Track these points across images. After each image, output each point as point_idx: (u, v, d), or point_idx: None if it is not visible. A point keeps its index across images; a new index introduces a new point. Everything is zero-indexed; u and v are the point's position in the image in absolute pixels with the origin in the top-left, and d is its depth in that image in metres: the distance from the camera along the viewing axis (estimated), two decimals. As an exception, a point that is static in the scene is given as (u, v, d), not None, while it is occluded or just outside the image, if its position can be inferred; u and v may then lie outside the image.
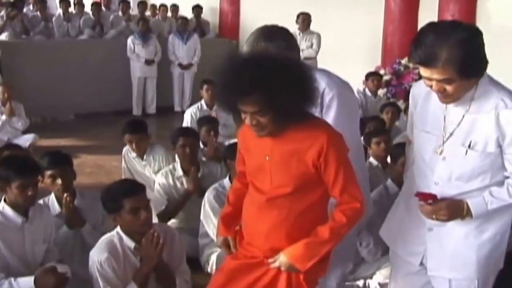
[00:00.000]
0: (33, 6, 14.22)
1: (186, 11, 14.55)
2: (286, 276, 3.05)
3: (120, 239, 4.02)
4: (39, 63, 11.48)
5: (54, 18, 13.41)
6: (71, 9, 13.74)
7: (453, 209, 3.05)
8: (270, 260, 3.06)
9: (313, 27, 11.38)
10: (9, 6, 12.75)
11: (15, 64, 11.22)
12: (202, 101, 8.62)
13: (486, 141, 2.98)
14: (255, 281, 3.12)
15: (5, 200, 4.19)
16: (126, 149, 6.57)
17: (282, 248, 3.03)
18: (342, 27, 11.75)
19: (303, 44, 11.16)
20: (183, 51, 12.47)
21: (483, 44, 2.86)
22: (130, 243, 4.02)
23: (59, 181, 4.68)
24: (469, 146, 3.00)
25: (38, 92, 11.12)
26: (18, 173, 4.11)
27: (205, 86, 8.57)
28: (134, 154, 6.45)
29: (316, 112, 3.26)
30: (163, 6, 14.78)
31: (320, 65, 11.12)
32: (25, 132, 9.56)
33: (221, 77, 2.88)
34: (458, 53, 2.77)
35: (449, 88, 2.89)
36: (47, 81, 11.44)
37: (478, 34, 2.87)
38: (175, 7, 14.76)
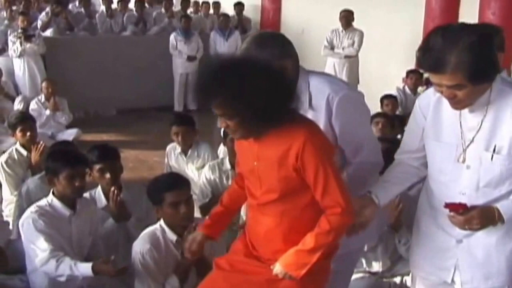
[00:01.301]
0: (78, 3, 14.42)
1: (228, 8, 14.62)
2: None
3: (163, 231, 4.10)
4: (82, 59, 11.66)
5: (97, 15, 13.56)
6: (115, 6, 13.89)
7: (486, 217, 2.92)
8: (271, 267, 3.06)
9: (354, 24, 11.33)
10: (54, 2, 12.93)
11: (59, 59, 11.42)
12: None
13: (511, 144, 2.87)
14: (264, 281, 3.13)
15: (53, 193, 4.30)
16: (170, 146, 6.63)
17: (282, 250, 3.03)
18: (383, 24, 11.69)
19: (345, 41, 11.11)
20: (225, 48, 12.54)
21: (494, 47, 2.78)
22: (172, 236, 4.10)
23: (107, 175, 4.77)
24: (494, 151, 2.89)
25: (81, 87, 11.29)
26: (65, 163, 4.23)
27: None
28: (178, 150, 6.49)
29: (322, 117, 3.27)
30: (205, 3, 14.86)
31: (362, 62, 11.11)
32: (68, 126, 9.76)
33: (195, 79, 2.91)
34: (467, 58, 2.66)
35: (459, 94, 2.78)
36: (90, 76, 11.60)
37: (488, 37, 2.76)
38: (217, 4, 14.87)
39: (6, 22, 12.71)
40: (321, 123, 3.26)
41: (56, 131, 9.46)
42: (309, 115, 3.27)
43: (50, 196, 4.30)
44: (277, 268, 3.02)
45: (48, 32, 12.26)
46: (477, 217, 2.90)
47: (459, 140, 2.97)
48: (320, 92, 3.28)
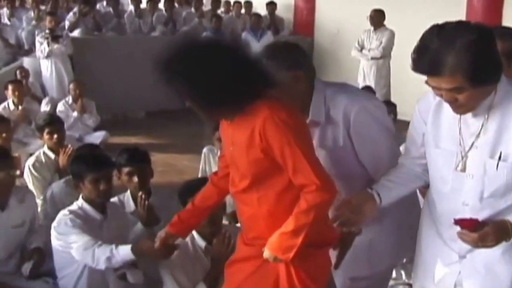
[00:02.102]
0: (106, 3, 14.53)
1: (260, 8, 14.63)
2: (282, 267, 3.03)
3: (192, 238, 4.10)
4: (110, 60, 11.73)
5: (126, 15, 13.65)
6: (144, 5, 13.96)
7: (500, 232, 2.71)
8: (262, 250, 3.03)
9: (389, 24, 11.21)
10: (81, 2, 13.04)
11: (87, 60, 11.52)
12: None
13: None
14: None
15: (83, 198, 4.33)
16: (207, 149, 6.59)
17: (265, 236, 3.00)
18: (420, 24, 11.51)
19: (373, 42, 10.96)
20: (257, 48, 12.47)
21: (495, 46, 2.60)
22: (202, 242, 4.10)
23: (135, 178, 4.78)
24: (500, 158, 2.69)
25: (110, 89, 11.37)
26: (89, 167, 4.26)
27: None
28: (218, 154, 6.47)
29: (341, 131, 3.22)
30: (237, 2, 14.89)
31: (397, 63, 10.97)
32: (96, 129, 9.85)
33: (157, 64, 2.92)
34: (466, 58, 2.50)
35: (460, 97, 2.61)
36: (118, 77, 11.66)
37: (488, 34, 2.58)
38: (248, 4, 14.87)
39: (33, 22, 12.88)
40: (340, 137, 3.24)
41: (83, 133, 9.55)
42: (328, 129, 3.25)
43: (80, 200, 4.33)
44: (266, 253, 2.99)
45: (76, 33, 12.38)
46: (492, 233, 2.69)
47: (458, 146, 2.81)
48: (337, 105, 3.22)
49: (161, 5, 14.08)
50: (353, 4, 12.83)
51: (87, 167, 4.26)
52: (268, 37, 12.68)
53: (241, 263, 3.23)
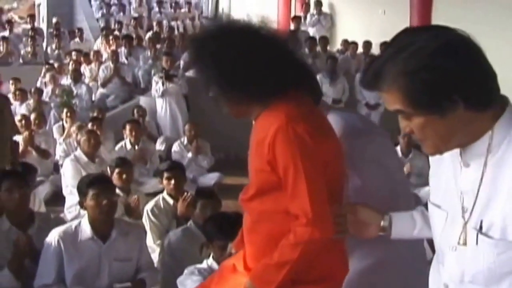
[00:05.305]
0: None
1: (374, 48, 14.48)
2: None
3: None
4: (225, 99, 11.84)
5: (241, 55, 13.78)
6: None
7: None
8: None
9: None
10: (197, 41, 13.26)
11: (201, 100, 11.65)
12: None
13: (506, 224, 1.84)
14: None
15: (213, 258, 4.39)
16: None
17: (259, 258, 2.73)
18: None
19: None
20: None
21: (469, 57, 1.82)
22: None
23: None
24: (481, 229, 1.90)
25: (223, 128, 11.39)
26: (218, 233, 4.32)
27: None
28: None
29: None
30: (354, 43, 14.71)
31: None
32: (209, 169, 9.90)
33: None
34: (406, 70, 1.81)
35: (413, 126, 1.91)
36: (231, 117, 11.73)
37: (452, 43, 1.82)
38: (367, 44, 14.52)
39: (150, 61, 13.20)
40: None
41: (197, 174, 9.62)
42: None
43: (210, 259, 4.39)
44: (247, 281, 2.72)
45: (191, 72, 12.55)
46: None
47: (457, 207, 2.00)
48: None
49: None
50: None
51: (217, 232, 4.33)
52: (382, 78, 12.51)
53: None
